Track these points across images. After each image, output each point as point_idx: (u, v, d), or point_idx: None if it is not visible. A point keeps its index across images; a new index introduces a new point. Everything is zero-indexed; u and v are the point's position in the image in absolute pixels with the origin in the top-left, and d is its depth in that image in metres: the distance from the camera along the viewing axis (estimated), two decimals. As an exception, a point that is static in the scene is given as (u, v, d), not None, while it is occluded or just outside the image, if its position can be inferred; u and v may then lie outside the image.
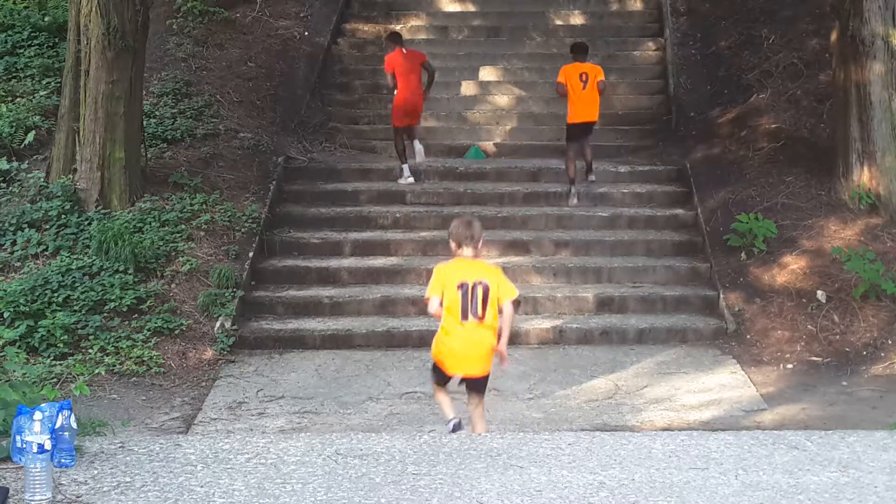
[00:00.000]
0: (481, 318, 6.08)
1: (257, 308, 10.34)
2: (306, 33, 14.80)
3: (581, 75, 11.79)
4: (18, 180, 11.34)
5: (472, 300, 6.00)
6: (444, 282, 6.14)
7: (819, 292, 10.17)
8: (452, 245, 6.46)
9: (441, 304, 6.26)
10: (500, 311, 6.40)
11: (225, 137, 12.39)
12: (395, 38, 12.47)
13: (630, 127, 13.79)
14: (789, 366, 9.46)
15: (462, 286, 6.02)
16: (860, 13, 11.01)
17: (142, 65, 11.26)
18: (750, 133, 12.48)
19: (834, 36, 11.58)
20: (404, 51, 12.15)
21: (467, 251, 6.20)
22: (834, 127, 11.70)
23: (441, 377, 6.60)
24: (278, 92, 13.69)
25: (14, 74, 13.08)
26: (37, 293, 9.53)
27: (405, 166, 12.22)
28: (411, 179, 12.21)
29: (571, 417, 8.22)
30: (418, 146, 12.45)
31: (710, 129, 12.93)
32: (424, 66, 12.23)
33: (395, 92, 12.17)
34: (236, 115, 12.95)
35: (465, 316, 6.07)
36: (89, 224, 10.47)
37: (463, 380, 6.56)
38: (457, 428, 6.59)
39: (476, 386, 6.50)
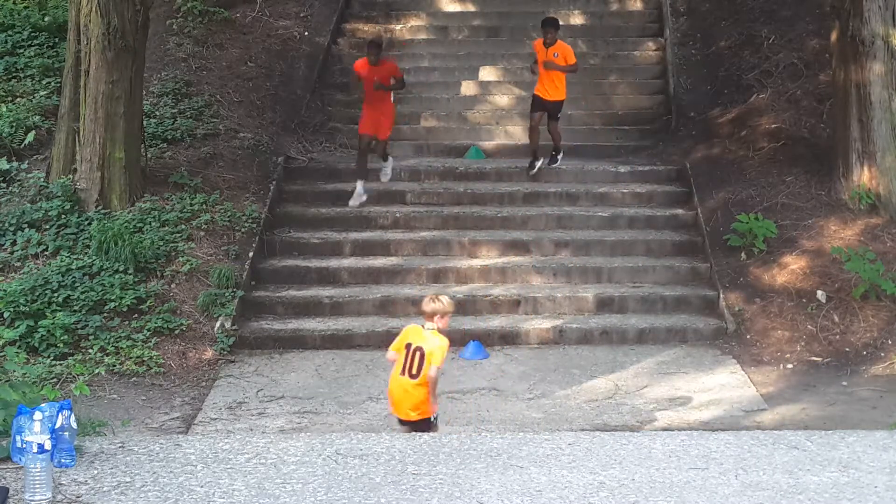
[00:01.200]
0: (413, 376, 6.87)
1: (257, 308, 10.34)
2: (306, 33, 14.79)
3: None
4: (18, 180, 11.33)
5: (411, 360, 6.85)
6: (402, 339, 7.03)
7: (819, 292, 10.17)
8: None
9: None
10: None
11: (225, 137, 12.39)
12: (371, 46, 11.87)
13: (630, 127, 13.78)
14: (789, 366, 9.46)
15: (407, 346, 6.91)
16: (860, 13, 11.01)
17: (142, 65, 11.26)
18: (750, 133, 12.47)
19: (834, 36, 11.57)
20: (372, 61, 11.58)
21: (427, 322, 6.97)
22: (834, 127, 11.70)
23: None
24: (278, 92, 13.69)
25: (14, 74, 13.08)
26: (37, 293, 9.53)
27: (359, 183, 11.70)
28: (363, 199, 11.68)
29: (571, 417, 8.22)
30: (386, 168, 12.08)
31: (710, 129, 12.93)
32: (394, 78, 11.75)
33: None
34: (236, 115, 12.94)
35: (403, 371, 6.90)
36: (89, 224, 10.47)
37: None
38: None
39: (409, 428, 7.05)
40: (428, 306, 7.03)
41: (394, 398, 7.09)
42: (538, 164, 12.24)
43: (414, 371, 6.90)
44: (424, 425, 6.98)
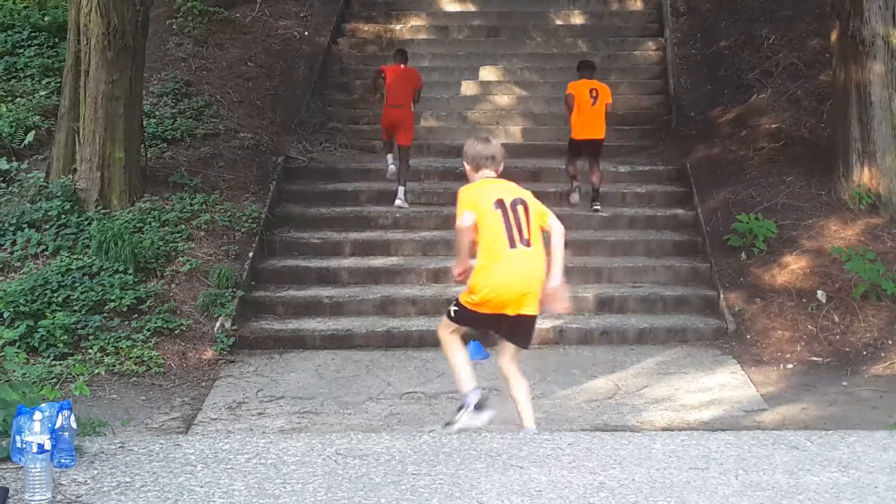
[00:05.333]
0: (529, 243, 5.24)
1: (257, 308, 10.34)
2: (306, 33, 14.80)
3: (591, 91, 11.77)
4: (18, 180, 11.34)
5: (517, 222, 5.12)
6: (477, 202, 5.15)
7: (819, 292, 10.17)
8: (468, 168, 5.61)
9: (475, 229, 5.26)
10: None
11: (225, 137, 12.39)
12: (399, 55, 12.31)
13: (630, 127, 13.78)
14: (789, 366, 9.45)
15: (499, 204, 5.10)
16: (860, 13, 11.01)
17: (142, 65, 11.26)
18: (750, 133, 12.48)
19: (834, 36, 11.57)
20: (402, 67, 12.02)
21: (489, 173, 5.38)
22: (834, 127, 11.70)
23: (475, 320, 5.49)
24: (278, 92, 13.69)
25: (14, 74, 13.08)
26: (37, 293, 9.53)
27: (390, 156, 12.01)
28: (393, 168, 11.90)
29: (571, 417, 8.22)
30: (401, 193, 11.87)
31: (710, 129, 12.93)
32: (416, 89, 11.99)
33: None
34: (236, 115, 12.95)
35: (512, 242, 5.18)
36: (89, 224, 10.47)
37: (511, 323, 5.49)
38: (482, 405, 5.77)
39: (526, 329, 5.49)
40: (487, 150, 5.34)
41: (510, 284, 5.20)
42: (578, 185, 12.01)
43: (526, 235, 5.19)
44: (535, 323, 5.44)
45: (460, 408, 6.07)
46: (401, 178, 11.83)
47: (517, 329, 5.55)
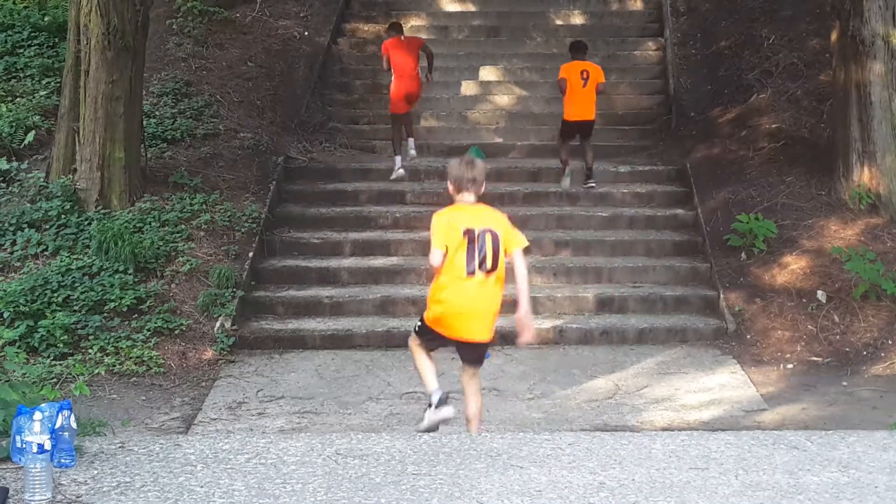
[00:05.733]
0: (490, 271, 5.42)
1: (257, 308, 10.34)
2: (306, 33, 14.79)
3: (582, 73, 11.88)
4: (18, 180, 11.34)
5: (481, 250, 5.33)
6: (447, 231, 5.44)
7: (819, 292, 10.17)
8: (451, 188, 5.78)
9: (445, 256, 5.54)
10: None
11: (225, 137, 12.39)
12: (394, 27, 12.68)
13: (630, 127, 13.79)
14: (789, 366, 9.45)
15: (468, 233, 5.32)
16: (860, 13, 11.01)
17: (142, 65, 11.26)
18: (750, 133, 12.48)
19: (834, 36, 11.57)
20: (402, 38, 12.40)
21: (468, 196, 5.55)
22: (834, 127, 11.70)
23: (431, 340, 5.86)
24: (278, 92, 13.69)
25: (14, 74, 13.08)
26: (37, 293, 9.53)
27: (398, 158, 12.24)
28: (402, 172, 12.20)
29: (571, 417, 8.22)
30: (412, 145, 12.51)
31: (710, 129, 12.93)
32: (423, 49, 12.45)
33: (392, 78, 12.31)
34: (236, 115, 12.94)
35: (471, 269, 5.40)
36: (89, 224, 10.47)
37: (460, 345, 5.82)
38: (442, 402, 5.98)
39: (476, 354, 5.83)
40: (469, 172, 5.43)
41: (462, 311, 5.50)
42: (572, 169, 12.24)
43: (489, 264, 5.38)
44: (486, 350, 5.73)
45: (427, 407, 6.39)
46: (412, 133, 12.59)
47: (468, 353, 5.85)
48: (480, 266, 5.37)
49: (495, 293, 5.49)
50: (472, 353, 5.75)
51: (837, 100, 11.51)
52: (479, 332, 5.60)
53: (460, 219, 5.42)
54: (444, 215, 5.60)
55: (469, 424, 6.29)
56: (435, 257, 5.56)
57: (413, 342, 6.20)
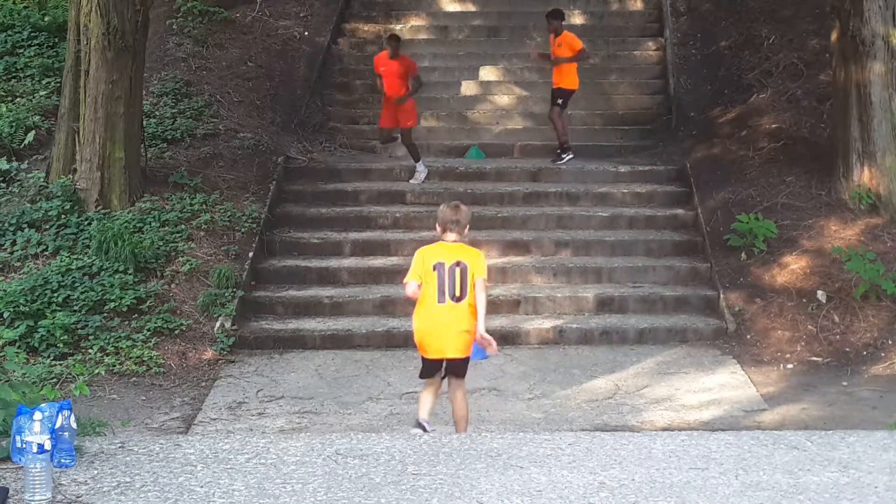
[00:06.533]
0: (458, 299, 6.07)
1: (257, 308, 10.34)
2: (306, 33, 14.79)
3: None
4: (18, 180, 11.33)
5: (450, 280, 6.00)
6: (420, 265, 6.19)
7: (819, 292, 10.17)
8: (438, 229, 6.51)
9: (419, 286, 6.35)
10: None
11: (225, 137, 12.39)
12: (390, 40, 12.40)
13: (630, 127, 13.79)
14: (789, 366, 9.45)
15: (438, 266, 6.05)
16: (860, 13, 11.01)
17: (142, 65, 11.26)
18: (750, 133, 12.47)
19: (834, 36, 11.57)
20: (391, 54, 12.13)
21: (451, 236, 6.23)
22: (834, 127, 11.70)
23: (427, 370, 6.58)
24: (278, 92, 13.69)
25: (14, 74, 13.08)
26: (37, 293, 9.53)
27: (419, 163, 12.31)
28: (421, 178, 12.24)
29: (571, 417, 8.22)
30: (420, 168, 12.34)
31: (710, 129, 12.93)
32: (413, 78, 12.26)
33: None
34: (236, 115, 12.94)
35: (441, 297, 6.07)
36: (89, 224, 10.47)
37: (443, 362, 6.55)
38: (420, 426, 6.55)
39: (454, 369, 6.49)
40: (453, 216, 6.26)
41: (433, 334, 6.22)
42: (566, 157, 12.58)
43: (458, 292, 6.07)
44: (465, 364, 6.34)
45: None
46: (414, 155, 12.32)
47: (449, 366, 6.54)
48: (450, 295, 6.04)
49: (464, 316, 6.13)
50: (450, 367, 6.41)
51: (837, 100, 11.51)
52: (451, 350, 6.25)
53: (435, 254, 6.12)
54: (422, 252, 6.28)
55: (456, 425, 6.89)
56: (407, 287, 6.33)
57: (421, 377, 6.90)
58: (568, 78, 12.46)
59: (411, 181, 12.21)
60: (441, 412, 7.81)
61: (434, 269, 6.08)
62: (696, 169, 12.24)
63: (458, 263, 6.06)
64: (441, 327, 6.18)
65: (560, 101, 12.46)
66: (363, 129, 13.79)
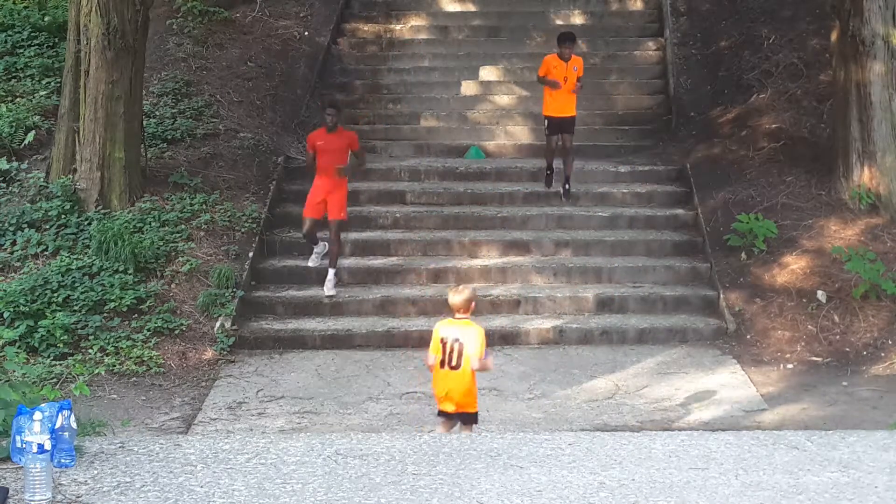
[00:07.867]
0: (454, 367, 7.03)
1: (257, 308, 10.34)
2: (306, 33, 14.79)
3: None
4: (18, 180, 11.34)
5: (450, 353, 7.02)
6: (434, 338, 7.21)
7: (819, 292, 10.17)
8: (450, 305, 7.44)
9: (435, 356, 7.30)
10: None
11: (225, 137, 12.39)
12: (329, 108, 10.35)
13: (630, 127, 13.78)
14: (789, 366, 9.46)
15: (442, 341, 7.06)
16: (860, 13, 11.01)
17: (142, 65, 11.26)
18: (750, 133, 12.47)
19: (834, 36, 11.57)
20: (329, 128, 10.18)
21: (459, 315, 7.15)
22: (834, 127, 11.70)
23: (441, 414, 7.43)
24: (278, 92, 13.69)
25: (14, 74, 13.08)
26: (37, 293, 9.53)
27: (318, 244, 10.51)
28: (313, 264, 10.53)
29: (571, 417, 8.22)
30: (330, 278, 10.30)
31: (710, 129, 12.93)
32: (353, 154, 10.39)
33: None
34: (236, 115, 12.94)
35: (443, 365, 7.06)
36: (89, 224, 10.47)
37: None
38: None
39: (459, 418, 7.30)
40: (455, 299, 7.18)
41: (438, 393, 7.23)
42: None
43: (454, 362, 7.05)
44: (472, 418, 7.20)
45: None
46: (332, 258, 10.35)
47: (456, 416, 7.35)
48: (449, 363, 7.02)
49: (462, 381, 7.06)
50: (456, 416, 7.26)
51: (837, 100, 11.51)
52: (450, 407, 7.17)
53: (443, 330, 7.12)
54: (438, 327, 7.24)
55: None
56: (428, 358, 7.27)
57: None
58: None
59: (325, 289, 10.28)
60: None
61: (441, 343, 7.08)
62: (696, 169, 12.24)
63: (457, 340, 7.02)
64: (442, 389, 7.13)
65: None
66: (363, 129, 13.74)
